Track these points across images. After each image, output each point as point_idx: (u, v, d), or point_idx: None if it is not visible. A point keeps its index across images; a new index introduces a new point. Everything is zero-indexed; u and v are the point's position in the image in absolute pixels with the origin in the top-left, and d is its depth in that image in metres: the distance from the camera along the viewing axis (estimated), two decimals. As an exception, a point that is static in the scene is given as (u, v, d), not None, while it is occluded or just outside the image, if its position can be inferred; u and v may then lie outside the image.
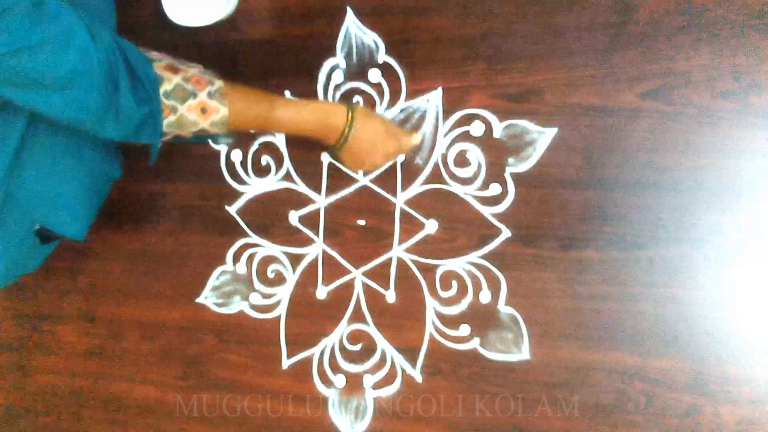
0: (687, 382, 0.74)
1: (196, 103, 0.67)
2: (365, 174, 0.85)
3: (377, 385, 0.85)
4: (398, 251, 0.85)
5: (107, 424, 0.98)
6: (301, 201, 0.88)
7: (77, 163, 0.78)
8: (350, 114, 0.75)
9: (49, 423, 1.02)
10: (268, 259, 0.90)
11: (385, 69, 0.84)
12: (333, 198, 0.87)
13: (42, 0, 0.58)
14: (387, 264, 0.85)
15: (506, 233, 0.80)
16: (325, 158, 0.87)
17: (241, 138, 0.91)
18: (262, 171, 0.90)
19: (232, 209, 0.91)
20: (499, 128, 0.80)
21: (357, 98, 0.85)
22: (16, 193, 0.74)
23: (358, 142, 0.77)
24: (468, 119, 0.81)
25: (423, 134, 0.82)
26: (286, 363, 0.89)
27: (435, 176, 0.83)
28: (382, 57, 0.84)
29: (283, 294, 0.89)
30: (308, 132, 0.76)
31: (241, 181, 0.91)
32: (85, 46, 0.59)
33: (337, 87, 0.86)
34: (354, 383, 0.86)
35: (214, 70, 0.72)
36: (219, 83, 0.69)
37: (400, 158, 0.84)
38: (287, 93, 0.88)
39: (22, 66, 0.57)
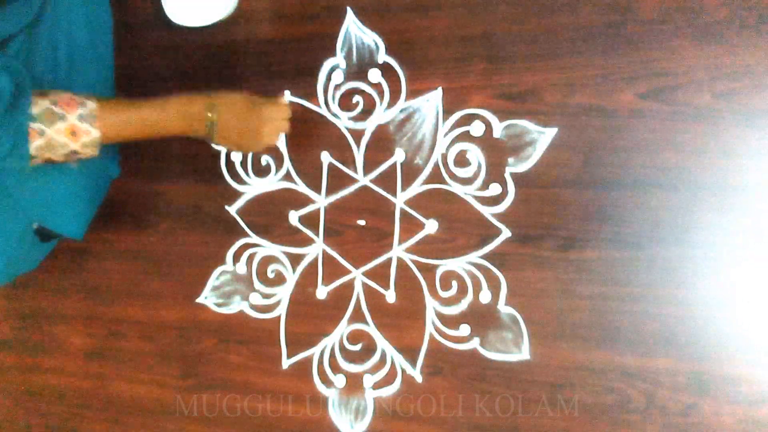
0: (687, 382, 0.74)
1: (65, 126, 0.66)
2: (253, 153, 0.82)
3: (377, 385, 0.85)
4: (398, 251, 0.85)
5: (107, 424, 0.98)
6: (301, 201, 0.88)
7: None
8: (209, 99, 0.75)
9: (49, 423, 1.02)
10: (268, 259, 0.90)
11: (385, 69, 0.84)
12: (333, 198, 0.87)
13: None
14: (387, 264, 0.85)
15: (506, 233, 0.80)
16: (325, 158, 0.87)
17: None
18: (262, 171, 0.90)
19: (232, 209, 0.91)
20: (499, 128, 0.80)
21: (357, 98, 0.85)
22: (15, 192, 0.74)
23: (227, 123, 0.75)
24: (468, 119, 0.81)
25: (287, 94, 0.80)
26: (286, 363, 0.89)
27: (435, 176, 0.83)
28: (382, 57, 0.84)
29: (283, 294, 0.89)
30: (179, 128, 0.74)
31: (241, 181, 0.91)
32: None
33: (337, 87, 0.86)
34: (354, 383, 0.86)
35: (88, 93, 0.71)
36: (91, 105, 0.68)
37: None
38: (287, 93, 0.88)
39: None
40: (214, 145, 0.85)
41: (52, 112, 0.66)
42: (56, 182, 0.78)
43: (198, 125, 0.75)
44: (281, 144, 0.89)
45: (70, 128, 0.67)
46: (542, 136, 0.78)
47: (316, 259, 0.88)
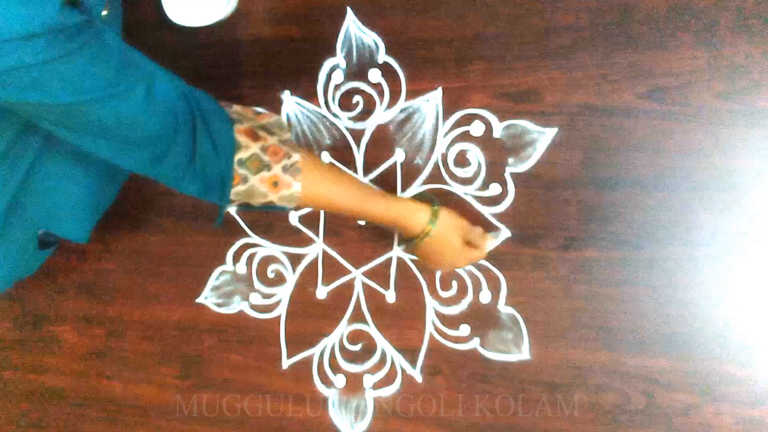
0: (687, 382, 0.74)
1: (269, 176, 0.65)
2: (442, 273, 0.83)
3: (377, 385, 0.85)
4: (398, 251, 0.85)
5: (107, 424, 0.98)
6: (301, 201, 0.88)
7: (85, 170, 0.78)
8: (433, 214, 0.73)
9: (49, 423, 1.02)
10: (268, 259, 0.90)
11: (385, 69, 0.84)
12: (333, 198, 0.87)
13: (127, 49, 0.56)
14: (387, 264, 0.85)
15: (506, 233, 0.80)
16: (325, 158, 0.87)
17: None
18: (262, 171, 0.90)
19: (232, 209, 0.91)
20: (499, 128, 0.80)
21: (357, 98, 0.85)
22: (25, 201, 0.74)
23: (436, 243, 0.74)
24: (468, 119, 0.81)
25: (500, 233, 0.79)
26: (286, 363, 0.89)
27: (435, 176, 0.83)
28: (382, 57, 0.84)
29: (283, 294, 0.89)
30: (385, 222, 0.74)
31: (241, 181, 0.91)
32: (168, 96, 0.59)
33: (337, 87, 0.86)
34: (354, 383, 0.86)
35: (293, 140, 0.69)
36: (296, 157, 0.66)
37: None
38: (287, 93, 0.88)
39: (107, 116, 0.55)
40: (403, 250, 0.84)
41: (259, 160, 0.64)
42: (65, 191, 0.78)
43: (407, 228, 0.73)
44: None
45: (273, 178, 0.65)
46: (542, 136, 0.78)
47: (316, 259, 0.88)
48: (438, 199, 0.78)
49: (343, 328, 0.87)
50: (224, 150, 0.63)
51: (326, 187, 0.69)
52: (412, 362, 0.84)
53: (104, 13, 0.72)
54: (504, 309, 0.80)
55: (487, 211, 0.80)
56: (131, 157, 0.61)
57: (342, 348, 0.87)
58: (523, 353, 0.79)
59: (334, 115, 0.86)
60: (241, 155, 0.64)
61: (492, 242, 0.79)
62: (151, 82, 0.58)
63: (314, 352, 0.88)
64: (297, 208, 0.69)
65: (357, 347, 0.86)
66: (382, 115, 0.85)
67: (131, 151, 0.60)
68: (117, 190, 0.90)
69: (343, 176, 0.73)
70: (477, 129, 0.81)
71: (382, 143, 0.85)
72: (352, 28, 0.85)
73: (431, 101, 0.82)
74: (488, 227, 0.80)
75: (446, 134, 0.82)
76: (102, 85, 0.54)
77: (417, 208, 0.74)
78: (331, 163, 0.70)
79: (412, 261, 0.84)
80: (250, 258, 0.91)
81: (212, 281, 0.92)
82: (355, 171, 0.86)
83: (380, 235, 0.85)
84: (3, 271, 0.79)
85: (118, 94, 0.55)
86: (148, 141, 0.59)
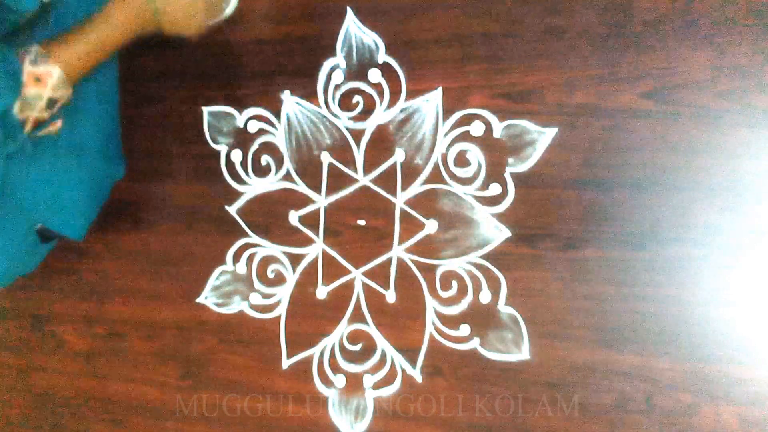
0: (687, 382, 0.74)
1: (25, 78, 0.64)
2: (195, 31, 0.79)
3: (377, 385, 0.85)
4: (398, 251, 0.85)
5: (107, 424, 0.98)
6: (301, 201, 0.88)
7: (79, 164, 0.78)
8: None
9: (50, 423, 1.02)
10: (268, 259, 0.90)
11: (385, 69, 0.84)
12: (333, 198, 0.87)
13: None
14: (387, 264, 0.85)
15: (506, 233, 0.80)
16: (325, 158, 0.87)
17: (242, 138, 0.91)
18: (262, 171, 0.90)
19: (232, 209, 0.91)
20: (499, 128, 0.80)
21: (357, 98, 0.85)
22: (19, 193, 0.74)
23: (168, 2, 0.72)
24: (468, 119, 0.81)
25: (287, 93, 0.78)
26: (286, 363, 0.89)
27: (435, 176, 0.83)
28: (382, 57, 0.84)
29: (283, 294, 0.89)
30: (129, 28, 0.71)
31: (241, 181, 0.91)
32: None
33: (337, 87, 0.86)
34: (354, 383, 0.86)
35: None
36: (35, 48, 0.66)
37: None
38: (287, 93, 0.88)
39: None
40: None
41: (6, 72, 0.64)
42: (60, 184, 0.78)
43: (144, 17, 0.72)
44: (281, 144, 0.89)
45: (30, 76, 0.65)
46: (542, 136, 0.78)
47: (316, 259, 0.88)
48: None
49: (343, 328, 0.87)
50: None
51: (79, 53, 0.68)
52: (412, 362, 0.84)
53: None
54: (504, 309, 0.80)
55: (487, 211, 0.80)
56: None
57: (342, 348, 0.87)
58: (523, 353, 0.79)
59: (334, 115, 0.86)
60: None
61: None
62: None
63: (314, 352, 0.88)
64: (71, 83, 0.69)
65: (357, 347, 0.86)
66: (382, 115, 0.85)
67: None
68: (110, 187, 0.90)
69: (79, 33, 0.70)
70: (477, 129, 0.81)
71: (382, 143, 0.85)
72: (352, 28, 0.85)
73: (431, 101, 0.82)
74: (485, 226, 0.80)
75: (446, 134, 0.82)
76: None
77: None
78: (61, 34, 0.69)
79: (412, 261, 0.84)
80: (250, 258, 0.91)
81: (212, 281, 0.92)
82: (355, 171, 0.86)
83: (380, 235, 0.85)
84: (3, 264, 0.79)
85: None
86: None
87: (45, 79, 0.66)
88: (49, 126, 0.72)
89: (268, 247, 0.90)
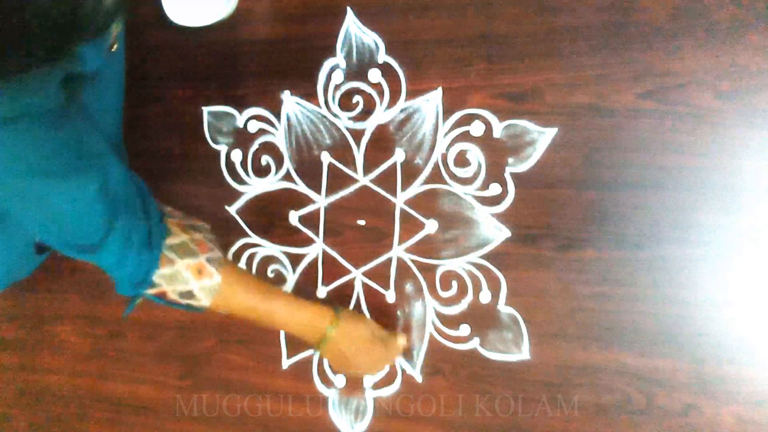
0: (687, 382, 0.74)
1: (195, 263, 0.66)
2: (353, 377, 0.85)
3: (377, 385, 0.85)
4: (398, 251, 0.85)
5: (107, 424, 0.98)
6: (301, 201, 0.88)
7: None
8: (335, 318, 0.75)
9: (49, 423, 1.02)
10: (268, 259, 0.90)
11: (385, 69, 0.84)
12: (333, 198, 0.87)
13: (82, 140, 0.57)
14: (387, 264, 0.85)
15: (506, 233, 0.80)
16: (325, 158, 0.87)
17: (242, 138, 0.91)
18: (262, 171, 0.90)
19: (232, 209, 0.91)
20: (499, 128, 0.80)
21: (357, 98, 0.85)
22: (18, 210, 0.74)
23: (339, 346, 0.76)
24: (468, 119, 0.81)
25: (409, 336, 0.83)
26: (286, 363, 0.89)
27: (435, 176, 0.83)
28: (382, 57, 0.84)
29: (283, 294, 0.89)
30: (293, 332, 0.76)
31: (241, 181, 0.91)
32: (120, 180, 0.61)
33: (337, 87, 0.86)
34: (354, 383, 0.86)
35: (216, 240, 0.71)
36: (219, 254, 0.69)
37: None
38: (287, 93, 0.88)
39: (50, 198, 0.57)
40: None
41: (188, 247, 0.66)
42: (58, 198, 0.78)
43: (311, 335, 0.75)
44: (281, 144, 0.89)
45: (198, 266, 0.66)
46: (542, 136, 0.78)
47: (316, 259, 0.88)
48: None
49: (343, 328, 0.87)
50: (156, 235, 0.64)
51: (243, 286, 0.71)
52: (412, 362, 0.84)
53: (114, 47, 0.72)
54: (504, 309, 0.80)
55: (487, 211, 0.80)
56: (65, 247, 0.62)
57: (342, 348, 0.87)
58: (523, 353, 0.79)
59: (334, 115, 0.86)
60: (171, 241, 0.65)
61: (403, 338, 0.81)
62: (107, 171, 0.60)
63: (314, 352, 0.88)
64: (203, 311, 0.71)
65: (357, 347, 0.86)
66: (382, 115, 0.85)
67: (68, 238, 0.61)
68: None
69: (257, 280, 0.74)
70: (477, 129, 0.81)
71: (382, 143, 0.85)
72: (352, 28, 0.85)
73: (431, 101, 0.82)
74: (486, 226, 0.80)
75: (446, 134, 0.82)
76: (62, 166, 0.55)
77: (320, 313, 0.75)
78: (247, 272, 0.74)
79: (412, 261, 0.84)
80: (250, 258, 0.91)
81: (212, 281, 0.92)
82: (355, 171, 0.86)
83: (380, 235, 0.85)
84: (1, 273, 0.80)
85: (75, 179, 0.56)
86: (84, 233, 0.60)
87: (204, 276, 0.67)
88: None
89: (268, 247, 0.90)
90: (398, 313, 0.84)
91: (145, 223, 0.63)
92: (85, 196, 0.58)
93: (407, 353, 0.83)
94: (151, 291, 0.66)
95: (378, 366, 0.81)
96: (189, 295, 0.67)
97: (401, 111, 0.84)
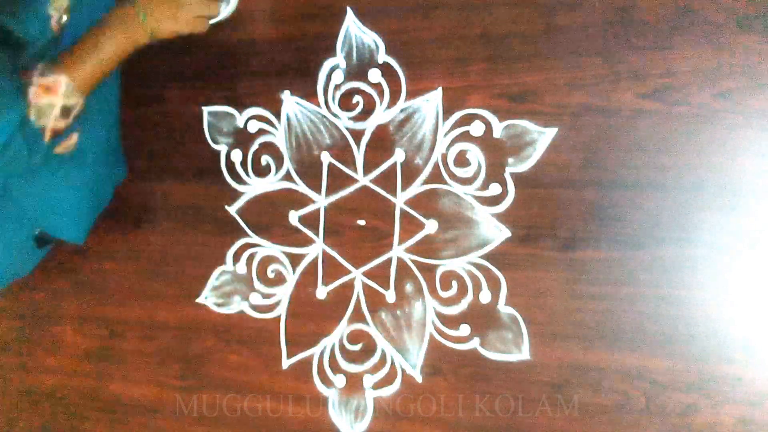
0: (687, 382, 0.74)
1: (35, 89, 0.68)
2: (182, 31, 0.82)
3: (377, 385, 0.85)
4: (398, 251, 0.85)
5: (107, 424, 0.98)
6: (301, 201, 0.88)
7: (80, 170, 0.78)
8: None
9: (49, 423, 1.02)
10: (268, 259, 0.90)
11: (385, 69, 0.84)
12: (333, 198, 0.87)
13: None
14: (387, 264, 0.85)
15: (506, 233, 0.80)
16: (325, 158, 0.87)
17: (242, 138, 0.91)
18: (262, 171, 0.90)
19: (232, 209, 0.91)
20: (499, 128, 0.80)
21: (357, 98, 0.85)
22: (19, 200, 0.74)
23: (155, 6, 0.76)
24: (468, 119, 0.81)
25: (287, 93, 0.83)
26: (286, 363, 0.89)
27: (435, 176, 0.83)
28: (382, 57, 0.84)
29: (283, 294, 0.89)
30: (125, 39, 0.75)
31: (241, 181, 0.91)
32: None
33: (337, 87, 0.86)
34: (354, 383, 0.86)
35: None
36: (42, 64, 0.70)
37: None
38: (287, 93, 0.88)
39: None
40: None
41: (15, 85, 0.67)
42: (60, 190, 0.78)
43: (136, 27, 0.76)
44: (281, 144, 0.89)
45: (41, 87, 0.69)
46: (542, 136, 0.78)
47: (316, 259, 0.88)
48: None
49: (343, 328, 0.87)
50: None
51: (81, 64, 0.72)
52: (412, 362, 0.84)
53: (64, 18, 0.75)
54: (504, 309, 0.80)
55: (487, 211, 0.80)
56: None
57: (342, 348, 0.87)
58: (523, 353, 0.79)
59: (334, 115, 0.86)
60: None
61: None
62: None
63: (314, 352, 0.88)
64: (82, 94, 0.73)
65: (357, 347, 0.86)
66: (382, 115, 0.85)
67: None
68: (112, 190, 0.90)
69: (80, 46, 0.74)
70: (477, 129, 0.81)
71: (382, 143, 0.85)
72: (352, 28, 0.85)
73: (431, 101, 0.82)
74: (486, 225, 0.80)
75: (446, 134, 0.82)
76: None
77: (115, 8, 0.76)
78: (72, 48, 0.73)
79: (412, 261, 0.84)
80: (250, 258, 0.91)
81: (212, 281, 0.92)
82: (355, 171, 0.86)
83: (380, 235, 0.85)
84: (1, 268, 0.79)
85: None
86: None
87: (54, 87, 0.69)
88: (67, 139, 0.75)
89: (268, 247, 0.90)
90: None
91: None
92: None
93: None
94: (47, 135, 0.69)
95: (191, 8, 0.80)
96: (66, 109, 0.71)
97: (401, 111, 0.84)
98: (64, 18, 0.75)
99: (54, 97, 0.69)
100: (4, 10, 0.66)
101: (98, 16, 0.76)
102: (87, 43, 0.73)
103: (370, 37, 0.85)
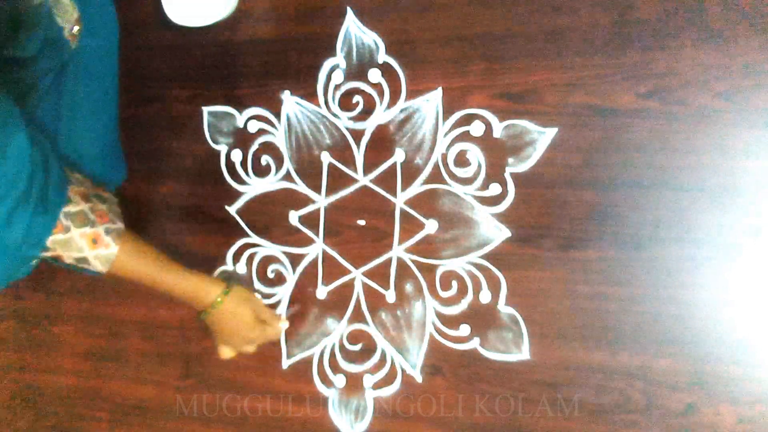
0: (687, 382, 0.74)
1: (90, 232, 0.68)
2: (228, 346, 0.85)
3: (377, 385, 0.85)
4: (398, 251, 0.85)
5: (107, 424, 0.98)
6: (301, 201, 0.88)
7: (79, 171, 0.78)
8: (223, 294, 0.79)
9: (49, 423, 1.02)
10: (268, 259, 0.90)
11: (385, 69, 0.84)
12: (333, 198, 0.87)
13: None
14: (387, 264, 0.85)
15: (506, 233, 0.80)
16: (325, 158, 0.87)
17: (242, 138, 0.91)
18: (262, 171, 0.90)
19: (232, 209, 0.91)
20: (499, 128, 0.80)
21: (357, 98, 0.85)
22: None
23: (221, 319, 0.80)
24: (468, 119, 0.81)
25: (289, 319, 0.88)
26: (286, 363, 0.89)
27: (435, 176, 0.83)
28: (382, 57, 0.84)
29: (283, 294, 0.89)
30: (183, 299, 0.78)
31: (241, 181, 0.91)
32: (21, 158, 0.61)
33: (337, 87, 0.86)
34: (354, 383, 0.86)
35: (120, 213, 0.73)
36: (120, 225, 0.71)
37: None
38: (287, 93, 0.88)
39: None
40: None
41: (85, 217, 0.68)
42: (87, 138, 0.79)
43: (196, 305, 0.79)
44: (281, 144, 0.89)
45: (94, 235, 0.68)
46: (542, 136, 0.78)
47: (316, 259, 0.88)
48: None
49: (343, 328, 0.87)
50: (54, 201, 0.65)
51: (139, 258, 0.73)
52: (412, 362, 0.84)
53: (75, 29, 0.75)
54: (504, 309, 0.80)
55: (487, 211, 0.80)
56: None
57: (342, 348, 0.87)
58: (523, 353, 0.79)
59: (334, 115, 0.86)
60: (69, 209, 0.67)
61: (285, 324, 0.86)
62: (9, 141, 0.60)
63: (314, 352, 0.88)
64: (102, 276, 0.73)
65: (357, 347, 0.86)
66: (382, 115, 0.85)
67: None
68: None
69: (154, 252, 0.76)
70: (477, 129, 0.81)
71: (382, 143, 0.85)
72: (352, 28, 0.85)
73: (431, 101, 0.82)
74: (486, 225, 0.80)
75: (446, 134, 0.82)
76: None
77: (211, 282, 0.79)
78: (148, 246, 0.75)
79: (412, 261, 0.84)
80: (250, 258, 0.91)
81: (212, 281, 0.92)
82: (355, 171, 0.86)
83: (380, 235, 0.85)
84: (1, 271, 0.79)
85: None
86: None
87: (99, 246, 0.69)
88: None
89: (268, 247, 0.90)
90: (294, 306, 0.88)
91: (45, 185, 0.64)
92: None
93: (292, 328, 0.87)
94: (46, 254, 0.67)
95: (249, 346, 0.83)
96: (84, 261, 0.69)
97: (401, 111, 0.84)
98: (76, 28, 0.74)
99: (90, 249, 0.68)
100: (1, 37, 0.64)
101: (108, 25, 0.75)
102: (156, 261, 0.75)
103: (370, 37, 0.85)
